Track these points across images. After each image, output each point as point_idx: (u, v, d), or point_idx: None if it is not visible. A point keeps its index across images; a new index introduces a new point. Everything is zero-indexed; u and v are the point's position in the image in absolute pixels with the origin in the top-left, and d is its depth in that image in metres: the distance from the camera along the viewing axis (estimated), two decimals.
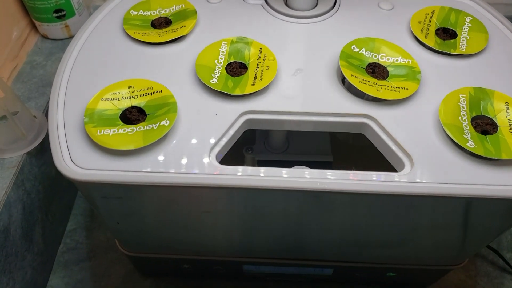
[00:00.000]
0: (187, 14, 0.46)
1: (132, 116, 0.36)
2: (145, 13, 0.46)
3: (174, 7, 0.47)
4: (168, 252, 0.50)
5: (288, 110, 0.38)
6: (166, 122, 0.35)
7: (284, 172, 0.34)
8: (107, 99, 0.37)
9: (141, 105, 0.37)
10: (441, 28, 0.45)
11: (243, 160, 0.54)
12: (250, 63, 0.41)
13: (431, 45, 0.43)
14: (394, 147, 0.36)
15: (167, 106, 0.36)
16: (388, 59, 0.41)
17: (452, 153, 0.35)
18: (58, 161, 0.34)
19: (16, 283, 0.50)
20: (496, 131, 0.36)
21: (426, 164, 0.34)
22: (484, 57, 0.43)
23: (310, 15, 0.47)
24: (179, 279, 0.60)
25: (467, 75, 0.41)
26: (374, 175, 0.34)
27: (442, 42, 0.44)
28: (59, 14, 0.60)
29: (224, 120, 0.37)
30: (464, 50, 0.43)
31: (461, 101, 0.38)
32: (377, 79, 0.39)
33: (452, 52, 0.43)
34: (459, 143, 0.34)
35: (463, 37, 0.44)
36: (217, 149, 0.36)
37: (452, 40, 0.44)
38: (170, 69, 0.41)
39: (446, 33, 0.45)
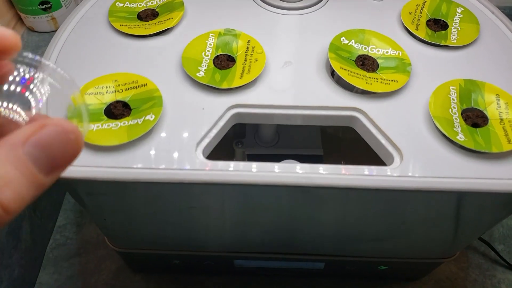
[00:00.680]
0: (174, 5, 0.45)
1: (117, 110, 0.35)
2: (131, 5, 0.45)
3: None
4: (158, 248, 0.50)
5: (276, 103, 0.37)
6: (151, 117, 0.34)
7: (275, 167, 0.33)
8: (91, 93, 0.36)
9: (126, 100, 0.36)
10: (432, 19, 0.45)
11: (233, 154, 0.54)
12: (238, 55, 0.40)
13: (422, 36, 0.43)
14: (383, 141, 0.35)
15: (152, 100, 0.36)
16: (378, 51, 0.41)
17: (442, 146, 0.35)
18: None
19: (3, 281, 0.49)
20: (486, 124, 0.35)
21: (416, 157, 0.34)
22: (475, 49, 0.43)
23: (299, 7, 0.46)
24: (170, 274, 0.60)
25: (458, 67, 0.41)
26: (366, 170, 0.33)
27: (433, 33, 0.43)
28: (45, 6, 0.59)
29: (211, 114, 0.36)
30: (455, 41, 0.42)
31: (452, 93, 0.37)
32: (367, 72, 0.39)
33: (443, 43, 0.42)
34: (449, 136, 0.34)
35: (454, 28, 0.44)
36: (204, 144, 0.35)
37: (443, 32, 0.43)
38: (156, 63, 0.40)
39: (437, 24, 0.44)
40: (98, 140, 0.33)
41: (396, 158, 0.34)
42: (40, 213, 0.57)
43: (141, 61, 0.40)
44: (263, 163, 0.34)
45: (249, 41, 0.41)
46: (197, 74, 0.38)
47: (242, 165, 0.33)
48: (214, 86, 0.37)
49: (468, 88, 0.38)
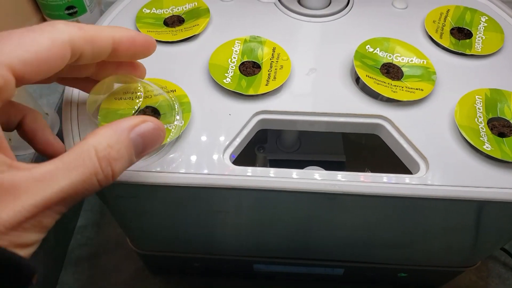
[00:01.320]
0: (200, 12, 0.46)
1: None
2: (157, 11, 0.46)
3: (186, 5, 0.46)
4: (179, 250, 0.50)
5: (301, 110, 0.38)
6: (181, 122, 0.35)
7: (294, 173, 0.34)
8: (121, 98, 0.37)
9: (155, 105, 0.37)
10: (456, 27, 0.45)
11: (255, 159, 0.54)
12: (264, 62, 0.40)
13: (446, 45, 0.43)
14: (409, 149, 0.36)
15: (181, 106, 0.36)
16: (402, 59, 0.41)
17: (468, 155, 0.35)
18: None
19: None
20: None
21: (442, 166, 0.34)
22: (500, 58, 0.43)
23: (323, 14, 0.46)
24: (189, 277, 0.60)
25: (483, 76, 0.41)
26: (385, 177, 0.34)
27: (457, 42, 0.43)
28: (71, 11, 0.60)
29: (237, 120, 0.37)
30: (480, 50, 0.42)
31: (477, 102, 0.37)
32: (392, 80, 0.39)
33: (467, 52, 0.42)
34: (475, 146, 0.34)
35: (478, 37, 0.44)
36: (230, 150, 0.35)
37: (468, 40, 0.43)
38: (183, 69, 0.41)
39: (461, 33, 0.44)
40: None
41: (422, 167, 0.34)
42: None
43: (169, 67, 0.41)
44: (288, 170, 0.34)
45: (274, 48, 0.42)
46: (224, 81, 0.38)
47: (272, 171, 0.34)
48: (241, 92, 0.38)
49: (494, 97, 0.38)
